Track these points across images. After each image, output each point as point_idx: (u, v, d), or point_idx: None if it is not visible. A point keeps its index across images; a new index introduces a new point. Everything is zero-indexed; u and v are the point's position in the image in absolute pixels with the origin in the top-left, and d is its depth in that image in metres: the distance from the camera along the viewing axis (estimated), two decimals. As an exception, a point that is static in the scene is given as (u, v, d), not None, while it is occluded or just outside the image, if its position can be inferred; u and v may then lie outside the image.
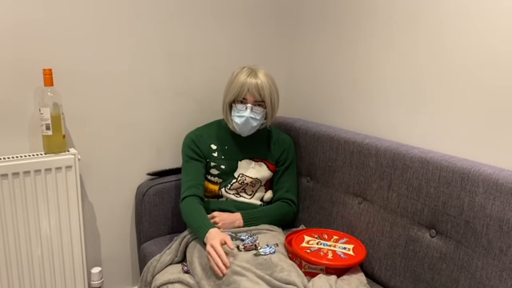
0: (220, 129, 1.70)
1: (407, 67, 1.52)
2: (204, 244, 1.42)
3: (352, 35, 1.72)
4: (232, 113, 1.60)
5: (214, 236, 1.38)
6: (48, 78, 1.53)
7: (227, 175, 1.66)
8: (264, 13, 1.99)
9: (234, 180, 1.66)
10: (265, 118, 1.64)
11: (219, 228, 1.54)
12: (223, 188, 1.66)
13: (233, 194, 1.67)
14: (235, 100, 1.59)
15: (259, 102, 1.58)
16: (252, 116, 1.57)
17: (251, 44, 1.99)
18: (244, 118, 1.57)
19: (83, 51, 1.64)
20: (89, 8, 1.62)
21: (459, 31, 1.35)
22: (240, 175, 1.66)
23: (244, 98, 1.57)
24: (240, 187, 1.67)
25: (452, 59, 1.38)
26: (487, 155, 1.32)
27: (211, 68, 1.91)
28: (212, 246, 1.35)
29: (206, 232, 1.41)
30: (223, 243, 1.36)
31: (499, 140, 1.28)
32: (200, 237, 1.43)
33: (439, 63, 1.42)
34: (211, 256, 1.34)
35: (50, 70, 1.54)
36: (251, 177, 1.67)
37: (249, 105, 1.56)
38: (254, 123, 1.59)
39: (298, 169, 1.80)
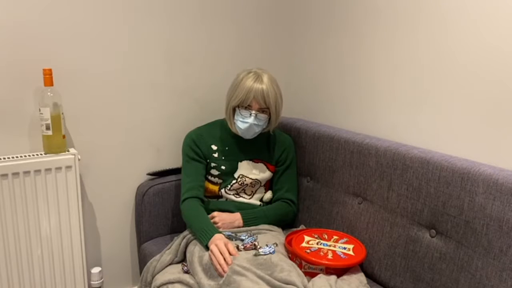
0: (221, 130, 1.70)
1: (408, 67, 1.52)
2: (205, 247, 1.43)
3: (353, 35, 1.72)
4: (236, 117, 1.60)
5: (219, 238, 1.40)
6: (48, 78, 1.53)
7: (227, 176, 1.66)
8: (264, 12, 1.99)
9: (234, 181, 1.66)
10: (269, 122, 1.64)
11: (218, 228, 1.54)
12: (223, 189, 1.66)
13: (233, 194, 1.67)
14: (239, 106, 1.58)
15: (264, 109, 1.57)
16: (256, 123, 1.57)
17: (251, 44, 1.99)
18: (248, 124, 1.56)
19: (83, 51, 1.64)
20: (89, 8, 1.62)
21: (460, 31, 1.35)
22: (240, 176, 1.66)
23: (249, 105, 1.56)
24: (240, 187, 1.67)
25: (453, 59, 1.38)
26: (487, 155, 1.32)
27: (211, 68, 1.91)
28: (216, 246, 1.36)
29: (211, 236, 1.42)
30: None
31: (499, 140, 1.28)
32: (203, 241, 1.43)
33: (439, 63, 1.42)
34: (213, 254, 1.34)
35: (50, 70, 1.54)
36: (251, 178, 1.67)
37: (253, 112, 1.55)
38: (257, 129, 1.59)
39: (298, 169, 1.80)
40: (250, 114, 1.56)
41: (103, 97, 1.71)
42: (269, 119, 1.62)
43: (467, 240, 1.23)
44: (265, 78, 1.55)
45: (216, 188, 1.67)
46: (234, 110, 1.61)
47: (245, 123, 1.57)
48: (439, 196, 1.30)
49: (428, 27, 1.44)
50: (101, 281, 1.74)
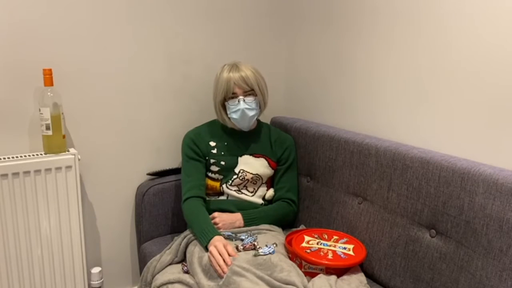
0: (220, 127, 1.71)
1: (407, 67, 1.52)
2: (204, 248, 1.43)
3: (353, 35, 1.72)
4: (228, 112, 1.62)
5: (218, 240, 1.40)
6: (48, 78, 1.53)
7: (227, 171, 1.66)
8: (264, 12, 1.99)
9: (235, 176, 1.66)
10: (260, 107, 1.66)
11: (219, 228, 1.54)
12: (224, 185, 1.67)
13: (235, 190, 1.67)
14: (226, 98, 1.60)
15: (249, 92, 1.60)
16: (247, 106, 1.59)
17: (251, 44, 1.99)
18: (240, 111, 1.58)
19: (83, 51, 1.64)
20: (89, 9, 1.62)
21: (459, 31, 1.35)
22: (241, 171, 1.66)
23: (233, 93, 1.58)
24: (242, 183, 1.67)
25: (452, 59, 1.38)
26: (487, 155, 1.31)
27: (210, 68, 1.91)
28: (215, 247, 1.36)
29: (210, 238, 1.42)
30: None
31: (499, 140, 1.28)
32: (202, 242, 1.44)
33: (439, 63, 1.42)
34: (213, 256, 1.34)
35: (50, 70, 1.54)
36: (251, 173, 1.67)
37: (240, 97, 1.58)
38: (251, 113, 1.60)
39: (298, 169, 1.80)
40: (238, 101, 1.58)
41: (103, 97, 1.71)
42: (259, 102, 1.64)
43: (467, 240, 1.23)
44: (240, 65, 1.60)
45: (217, 184, 1.67)
46: (223, 107, 1.63)
47: (237, 111, 1.59)
48: (439, 196, 1.30)
49: (427, 27, 1.44)
50: (101, 281, 1.74)
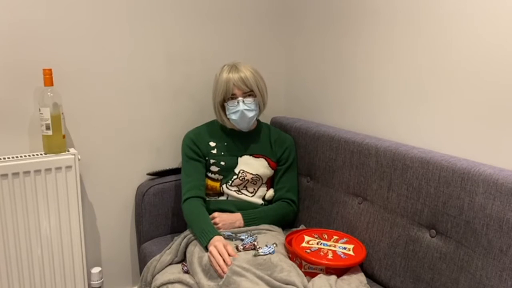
0: (220, 127, 1.71)
1: (407, 67, 1.52)
2: (204, 248, 1.43)
3: (352, 35, 1.72)
4: (227, 113, 1.62)
5: (218, 240, 1.40)
6: (48, 78, 1.53)
7: (227, 171, 1.66)
8: (264, 12, 1.99)
9: (235, 177, 1.66)
10: (259, 108, 1.66)
11: (219, 228, 1.54)
12: (224, 185, 1.67)
13: (235, 191, 1.67)
14: (225, 99, 1.60)
15: (249, 93, 1.60)
16: (246, 107, 1.59)
17: (251, 44, 1.99)
18: (240, 112, 1.58)
19: (83, 51, 1.64)
20: (89, 9, 1.62)
21: (459, 31, 1.35)
22: (241, 171, 1.66)
23: (233, 94, 1.58)
24: (241, 183, 1.67)
25: (452, 59, 1.38)
26: (487, 155, 1.31)
27: (210, 68, 1.91)
28: (215, 247, 1.36)
29: (210, 238, 1.42)
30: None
31: (499, 140, 1.28)
32: (202, 242, 1.44)
33: (439, 63, 1.42)
34: (213, 256, 1.34)
35: (50, 70, 1.54)
36: (251, 173, 1.67)
37: (240, 98, 1.58)
38: (250, 114, 1.60)
39: (298, 169, 1.80)
40: (238, 102, 1.58)
41: (103, 97, 1.71)
42: (258, 103, 1.64)
43: (467, 240, 1.23)
44: (240, 66, 1.60)
45: (217, 184, 1.67)
46: (223, 107, 1.64)
47: (237, 112, 1.59)
48: (439, 196, 1.30)
49: (427, 27, 1.44)
50: (101, 281, 1.74)
